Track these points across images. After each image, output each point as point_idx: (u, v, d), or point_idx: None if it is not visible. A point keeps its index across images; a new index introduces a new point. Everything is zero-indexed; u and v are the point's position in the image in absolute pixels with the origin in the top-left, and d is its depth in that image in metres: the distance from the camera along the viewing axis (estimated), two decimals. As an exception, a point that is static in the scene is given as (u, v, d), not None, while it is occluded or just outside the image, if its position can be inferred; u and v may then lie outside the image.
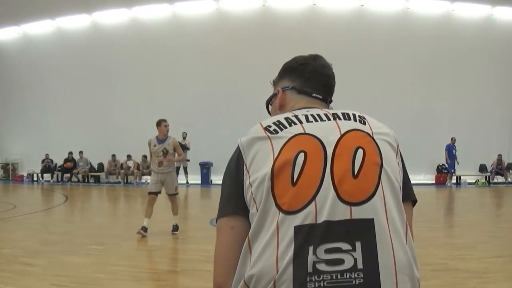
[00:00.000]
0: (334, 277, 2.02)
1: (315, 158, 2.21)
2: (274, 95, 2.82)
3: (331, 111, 2.48)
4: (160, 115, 31.54)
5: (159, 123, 14.36)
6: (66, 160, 32.79)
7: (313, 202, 2.12)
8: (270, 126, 2.37)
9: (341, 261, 2.05)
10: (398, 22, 31.72)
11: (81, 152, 32.79)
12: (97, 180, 33.32)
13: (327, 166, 2.20)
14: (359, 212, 2.13)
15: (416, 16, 32.10)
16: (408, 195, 2.43)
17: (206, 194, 26.98)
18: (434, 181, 31.62)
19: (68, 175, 32.63)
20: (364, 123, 2.40)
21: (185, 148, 29.97)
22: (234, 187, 2.35)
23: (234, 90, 30.76)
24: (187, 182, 30.52)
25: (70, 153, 32.60)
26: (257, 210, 2.20)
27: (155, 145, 14.13)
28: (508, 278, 9.11)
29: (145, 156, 31.49)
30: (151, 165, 14.46)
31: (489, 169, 31.71)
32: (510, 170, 32.13)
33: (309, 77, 2.69)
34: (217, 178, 30.13)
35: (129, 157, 31.87)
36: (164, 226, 14.88)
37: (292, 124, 2.36)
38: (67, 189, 28.38)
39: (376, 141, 2.33)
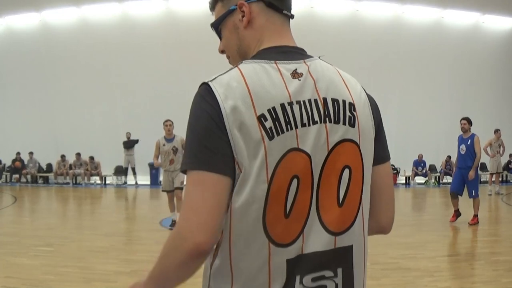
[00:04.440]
0: None
1: (305, 185, 2.06)
2: (229, 13, 2.29)
3: (322, 94, 2.13)
4: (107, 115, 31.46)
5: (163, 123, 14.76)
6: (14, 161, 32.31)
7: (302, 235, 2.07)
8: (265, 119, 1.99)
9: (324, 287, 2.10)
10: (348, 24, 32.00)
11: (31, 153, 32.28)
12: (46, 181, 32.84)
13: (313, 194, 2.08)
14: (342, 241, 2.14)
15: (365, 19, 32.44)
16: (386, 156, 2.41)
17: (155, 195, 26.84)
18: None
19: (17, 175, 32.16)
20: (354, 124, 2.17)
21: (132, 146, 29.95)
22: (224, 142, 1.99)
23: (182, 90, 30.68)
24: (136, 183, 30.35)
25: (18, 153, 32.07)
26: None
27: (164, 145, 14.50)
28: (458, 276, 9.25)
29: (92, 157, 31.23)
30: (162, 164, 14.69)
31: (438, 169, 32.05)
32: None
33: None
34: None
35: (78, 155, 31.46)
36: (113, 227, 14.81)
37: (288, 127, 2.02)
38: (16, 190, 28.00)
39: (362, 153, 2.20)
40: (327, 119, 2.10)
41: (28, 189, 29.58)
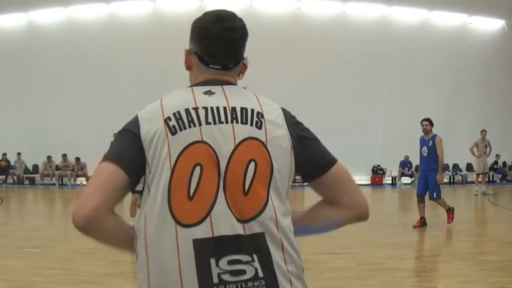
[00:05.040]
0: (239, 286, 2.24)
1: (210, 172, 2.34)
2: (186, 53, 2.81)
3: (231, 104, 2.49)
4: (93, 116, 31.37)
5: None
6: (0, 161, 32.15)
7: (208, 218, 2.29)
8: (170, 119, 2.42)
9: (243, 272, 2.26)
10: (335, 25, 32.10)
11: (19, 154, 32.14)
12: (32, 182, 32.73)
13: (220, 182, 2.34)
14: (251, 228, 2.33)
15: (352, 20, 32.54)
16: (327, 163, 2.61)
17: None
18: (369, 182, 31.84)
19: (3, 176, 31.98)
20: (260, 127, 2.45)
21: None
22: (125, 145, 2.46)
23: (169, 90, 30.68)
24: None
25: (4, 154, 31.95)
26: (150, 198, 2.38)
27: None
28: (445, 276, 9.28)
29: (78, 158, 31.14)
30: None
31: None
32: (446, 171, 32.61)
33: (208, 44, 2.62)
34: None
35: (64, 156, 31.36)
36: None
37: (191, 124, 2.40)
38: (2, 191, 27.87)
39: (269, 150, 2.43)
40: (234, 120, 2.43)
41: (15, 190, 29.49)
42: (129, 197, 14.49)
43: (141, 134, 2.41)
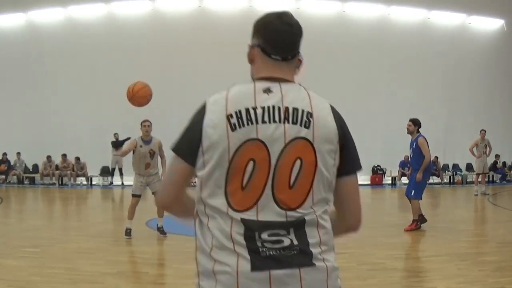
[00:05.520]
0: (278, 251, 2.71)
1: (262, 167, 2.75)
2: (249, 48, 3.13)
3: (285, 104, 2.84)
4: (93, 115, 31.38)
5: (140, 124, 14.11)
6: (0, 162, 32.11)
7: (255, 207, 2.74)
8: (232, 116, 2.78)
9: (281, 241, 2.73)
10: (334, 25, 32.15)
11: (18, 153, 32.11)
12: (32, 181, 32.72)
13: (270, 176, 2.75)
14: (293, 215, 2.76)
15: (352, 20, 32.61)
16: (351, 169, 3.00)
17: (142, 196, 26.82)
18: (369, 182, 31.93)
19: (3, 176, 31.94)
20: (308, 126, 2.80)
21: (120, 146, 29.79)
22: (191, 136, 2.87)
23: (170, 90, 30.67)
24: (122, 184, 30.18)
25: (5, 154, 31.92)
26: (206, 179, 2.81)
27: (141, 146, 13.67)
28: (444, 277, 9.26)
29: (78, 158, 31.13)
30: (135, 167, 13.78)
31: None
32: (446, 171, 32.65)
33: (270, 38, 3.01)
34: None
35: (64, 156, 31.35)
36: (99, 228, 14.80)
37: (249, 123, 2.77)
38: (2, 190, 27.86)
39: (315, 148, 2.80)
40: (286, 120, 2.80)
41: (14, 189, 29.50)
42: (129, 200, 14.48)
43: (204, 122, 2.81)
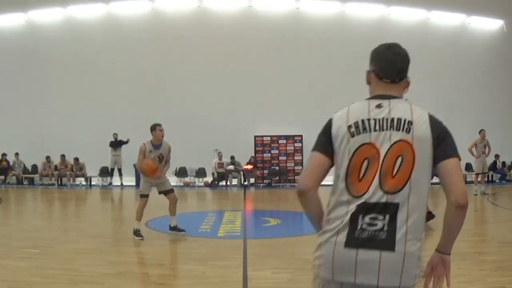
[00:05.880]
0: (370, 233, 3.54)
1: (373, 164, 3.63)
2: (367, 73, 4.02)
3: (392, 115, 3.70)
4: (92, 116, 31.29)
5: (153, 128, 13.69)
6: (0, 162, 32.01)
7: (367, 191, 3.59)
8: (351, 127, 3.72)
9: (376, 224, 3.54)
10: (334, 25, 32.17)
11: (17, 154, 32.05)
12: (31, 182, 32.68)
13: (378, 169, 3.61)
14: (392, 198, 3.55)
15: (351, 20, 32.65)
16: (446, 154, 3.66)
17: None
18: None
19: (2, 177, 31.86)
20: (409, 131, 3.64)
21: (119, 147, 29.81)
22: (324, 139, 3.84)
23: (168, 91, 30.66)
24: (121, 184, 30.20)
25: (4, 154, 31.83)
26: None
27: (150, 151, 13.50)
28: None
29: (76, 159, 31.08)
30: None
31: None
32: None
33: (382, 65, 3.88)
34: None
35: (63, 157, 31.28)
36: (99, 228, 14.79)
37: (364, 131, 3.69)
38: (1, 191, 27.84)
39: (413, 148, 3.61)
40: (391, 128, 3.66)
41: (14, 190, 29.43)
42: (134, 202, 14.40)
43: (332, 132, 3.78)
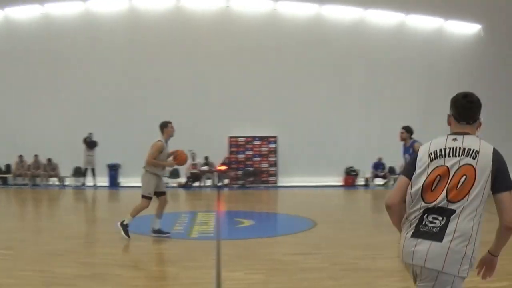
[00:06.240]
0: (429, 228, 4.53)
1: (443, 180, 4.60)
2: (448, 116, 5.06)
3: (463, 146, 4.70)
4: (65, 115, 31.01)
5: (165, 125, 13.85)
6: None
7: (436, 199, 4.56)
8: (431, 154, 4.78)
9: (435, 223, 4.52)
10: (311, 26, 32.14)
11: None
12: (4, 182, 32.40)
13: (447, 184, 4.57)
14: (451, 205, 4.50)
15: (328, 22, 32.62)
16: (501, 188, 4.55)
17: (114, 196, 26.71)
18: (343, 183, 31.98)
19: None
20: (475, 158, 4.59)
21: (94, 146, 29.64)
22: (411, 168, 4.89)
23: (144, 91, 30.51)
24: (95, 184, 29.92)
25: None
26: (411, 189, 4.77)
27: (164, 148, 13.59)
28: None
29: (49, 159, 30.84)
30: (158, 169, 13.61)
31: (397, 171, 32.28)
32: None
33: (459, 111, 4.91)
34: (125, 180, 29.68)
35: (36, 157, 31.05)
36: (72, 229, 14.73)
37: (441, 157, 4.72)
38: (-27, 191, 27.66)
39: (476, 171, 4.54)
40: (462, 155, 4.64)
41: (-13, 190, 29.21)
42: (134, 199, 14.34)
43: (417, 158, 4.88)
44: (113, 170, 29.93)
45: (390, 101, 32.54)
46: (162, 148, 13.48)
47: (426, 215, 4.61)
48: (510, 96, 34.62)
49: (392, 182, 31.72)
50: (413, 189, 4.76)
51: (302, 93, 31.23)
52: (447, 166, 4.67)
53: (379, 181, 32.12)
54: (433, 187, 4.65)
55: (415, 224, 4.65)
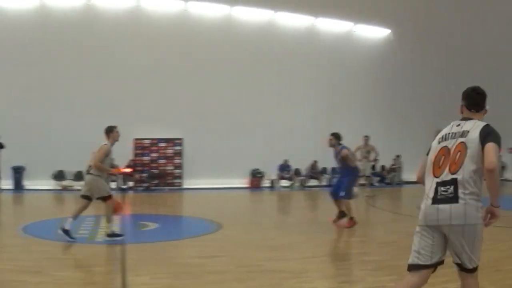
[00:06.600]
0: (444, 195, 5.67)
1: (446, 158, 5.83)
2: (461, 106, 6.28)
3: (462, 129, 5.90)
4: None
5: (111, 130, 13.74)
6: None
7: (442, 174, 5.78)
8: (440, 138, 6.02)
9: (447, 191, 5.65)
10: (220, 28, 32.07)
11: None
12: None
13: (449, 161, 5.77)
14: (454, 175, 5.66)
15: (237, 23, 32.63)
16: (485, 142, 5.67)
17: (18, 200, 26.04)
18: (248, 185, 32.04)
19: None
20: (466, 136, 5.78)
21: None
22: (430, 148, 6.16)
23: (47, 93, 29.83)
24: (0, 188, 29.08)
25: None
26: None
27: (110, 152, 13.64)
28: (325, 277, 9.32)
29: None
30: (103, 173, 13.66)
31: (303, 173, 32.45)
32: (324, 174, 33.03)
33: (469, 101, 6.17)
34: (30, 183, 28.81)
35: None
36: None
37: (446, 140, 5.94)
38: None
39: (467, 145, 5.72)
40: (459, 137, 5.82)
41: None
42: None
43: (433, 143, 6.10)
44: (18, 173, 29.10)
45: (298, 103, 32.81)
46: (109, 152, 13.46)
47: (439, 187, 5.81)
48: (419, 93, 36.32)
49: (297, 184, 31.92)
50: (427, 167, 6.09)
51: (209, 95, 31.11)
52: (448, 147, 5.94)
53: (285, 183, 32.19)
54: (440, 164, 5.93)
55: (432, 195, 5.83)
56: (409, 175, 34.99)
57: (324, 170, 33.46)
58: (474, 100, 6.21)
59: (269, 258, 10.99)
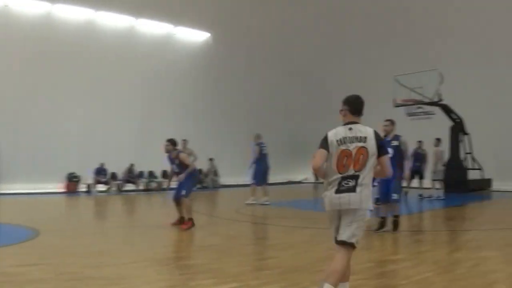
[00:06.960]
0: (346, 187, 7.20)
1: (349, 158, 7.20)
2: (340, 110, 7.48)
3: (356, 134, 7.24)
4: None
5: None
6: None
7: (347, 171, 7.22)
8: (338, 140, 7.21)
9: (349, 184, 7.22)
10: (42, 27, 31.31)
11: None
12: None
13: (351, 161, 7.19)
14: (357, 173, 7.19)
15: (59, 21, 31.89)
16: (382, 154, 7.31)
17: None
18: (64, 190, 31.41)
19: None
20: (365, 141, 7.18)
21: None
22: (325, 144, 7.31)
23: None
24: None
25: None
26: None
27: None
28: (146, 282, 9.23)
29: None
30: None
31: (120, 177, 32.26)
32: (141, 178, 32.95)
33: (354, 107, 7.41)
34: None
35: None
36: None
37: (345, 143, 7.18)
38: None
39: (367, 149, 7.17)
40: (356, 141, 7.24)
41: None
42: None
43: (328, 141, 7.27)
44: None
45: (114, 105, 32.57)
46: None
47: (342, 180, 7.18)
48: (238, 98, 37.83)
49: (114, 188, 31.64)
50: (332, 165, 7.25)
51: (22, 97, 30.26)
52: (350, 150, 7.17)
53: (101, 187, 31.84)
54: (344, 163, 7.18)
55: (336, 186, 7.21)
56: (226, 178, 35.58)
57: (141, 174, 33.43)
58: (359, 106, 7.51)
59: (89, 264, 10.77)
